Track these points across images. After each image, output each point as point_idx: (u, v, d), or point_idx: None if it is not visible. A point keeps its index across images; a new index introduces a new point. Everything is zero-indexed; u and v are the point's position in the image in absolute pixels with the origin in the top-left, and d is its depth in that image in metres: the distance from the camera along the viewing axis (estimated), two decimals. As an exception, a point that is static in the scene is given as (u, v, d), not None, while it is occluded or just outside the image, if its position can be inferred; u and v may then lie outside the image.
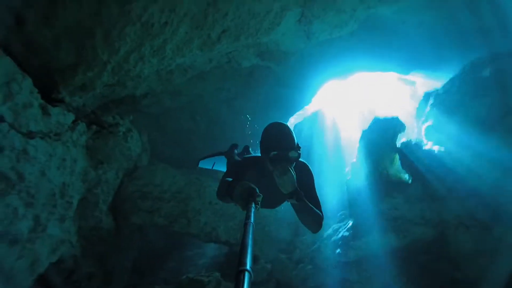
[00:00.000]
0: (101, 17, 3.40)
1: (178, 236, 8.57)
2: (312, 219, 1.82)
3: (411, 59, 8.19)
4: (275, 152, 1.71)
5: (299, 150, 1.78)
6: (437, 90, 5.50)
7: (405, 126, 5.15)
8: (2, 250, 3.10)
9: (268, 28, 5.15)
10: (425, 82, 10.07)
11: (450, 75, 7.80)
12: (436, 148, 4.45)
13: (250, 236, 0.97)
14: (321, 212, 1.85)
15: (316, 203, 1.88)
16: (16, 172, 3.09)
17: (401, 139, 5.11)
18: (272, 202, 2.02)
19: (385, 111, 7.15)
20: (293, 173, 1.68)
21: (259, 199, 1.39)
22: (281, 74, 7.30)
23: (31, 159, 3.28)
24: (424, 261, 3.71)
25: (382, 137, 4.94)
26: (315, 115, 10.80)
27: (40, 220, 3.60)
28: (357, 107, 12.34)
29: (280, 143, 1.73)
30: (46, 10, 3.13)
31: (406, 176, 4.61)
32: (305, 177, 1.93)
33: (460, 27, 6.84)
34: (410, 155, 4.65)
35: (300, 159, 1.85)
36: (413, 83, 10.17)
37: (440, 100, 4.86)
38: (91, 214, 5.03)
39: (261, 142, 1.85)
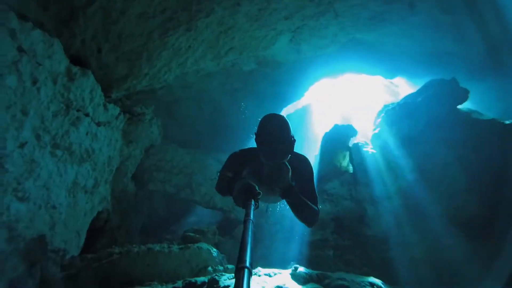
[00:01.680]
0: (147, 46, 5.24)
1: (180, 205, 10.72)
2: (306, 214, 1.84)
3: (394, 67, 10.01)
4: (267, 146, 1.75)
5: (293, 143, 1.82)
6: (388, 105, 7.36)
7: (356, 132, 7.11)
8: (79, 196, 5.08)
9: (266, 46, 6.97)
10: (407, 86, 11.98)
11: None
12: (371, 150, 6.39)
13: (250, 233, 0.99)
14: (317, 207, 1.86)
15: (313, 197, 1.89)
16: (91, 148, 5.03)
17: (353, 141, 7.06)
18: (270, 198, 2.04)
19: (359, 112, 9.07)
20: (287, 167, 1.76)
21: (259, 196, 1.42)
22: (276, 76, 9.11)
23: (98, 140, 5.22)
24: (348, 222, 5.66)
25: (338, 139, 6.88)
26: (304, 109, 12.72)
27: (97, 181, 5.59)
28: (341, 106, 14.26)
29: (273, 136, 1.75)
30: (115, 42, 4.95)
31: (351, 168, 6.57)
32: (304, 170, 1.95)
33: (428, 51, 8.67)
34: (355, 154, 6.62)
35: (300, 153, 1.99)
36: (397, 85, 12.03)
37: (388, 115, 6.74)
38: (121, 180, 7.04)
39: (256, 134, 1.88)
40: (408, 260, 4.17)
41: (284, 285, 3.09)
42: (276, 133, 1.76)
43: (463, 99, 7.06)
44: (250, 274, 0.77)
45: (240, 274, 0.76)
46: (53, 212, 4.37)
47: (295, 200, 1.79)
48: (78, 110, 4.60)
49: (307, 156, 2.11)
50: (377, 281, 3.36)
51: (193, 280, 3.46)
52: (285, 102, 11.56)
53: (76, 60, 4.76)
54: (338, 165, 6.40)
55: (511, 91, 8.37)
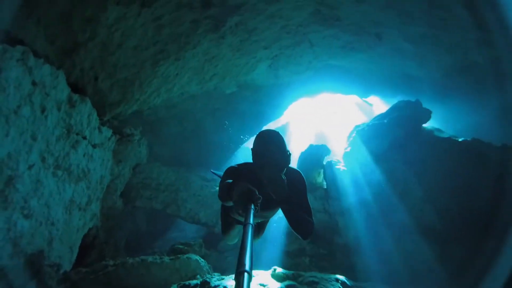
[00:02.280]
0: (140, 74, 5.88)
1: (162, 220, 11.13)
2: (302, 227, 1.91)
3: (368, 87, 11.07)
4: (263, 160, 1.88)
5: (289, 158, 1.95)
6: (359, 125, 8.27)
7: (330, 151, 7.95)
8: (74, 213, 5.52)
9: (246, 72, 7.76)
10: (381, 104, 13.13)
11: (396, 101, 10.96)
12: (342, 168, 7.21)
13: (250, 237, 1.02)
14: (312, 220, 1.94)
15: (308, 211, 1.97)
16: (87, 168, 5.53)
17: (327, 159, 7.87)
18: (266, 209, 2.07)
19: (335, 131, 9.96)
20: (284, 178, 1.87)
21: (259, 201, 1.46)
22: (256, 98, 9.90)
23: (93, 160, 5.72)
24: (322, 233, 6.34)
25: (313, 157, 7.67)
26: (284, 127, 13.60)
27: (90, 198, 6.04)
28: (318, 125, 15.32)
29: (269, 151, 1.89)
30: (110, 71, 5.56)
31: (325, 184, 7.34)
32: (298, 185, 2.04)
33: (396, 74, 9.76)
34: (328, 171, 7.42)
35: (294, 168, 2.12)
36: (371, 104, 13.16)
37: (358, 135, 7.61)
38: (110, 198, 7.47)
39: (252, 150, 2.01)
40: (375, 263, 4.87)
41: (265, 283, 3.68)
42: (272, 147, 1.91)
43: (427, 118, 8.07)
44: (250, 278, 0.79)
45: (240, 278, 0.78)
46: (51, 228, 4.81)
47: (293, 211, 1.89)
48: (77, 134, 5.12)
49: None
50: (341, 277, 4.02)
51: (186, 283, 3.98)
52: (265, 120, 12.36)
53: (74, 87, 5.31)
54: (313, 181, 7.15)
55: (467, 111, 9.56)
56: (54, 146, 4.59)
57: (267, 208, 2.06)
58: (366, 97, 12.75)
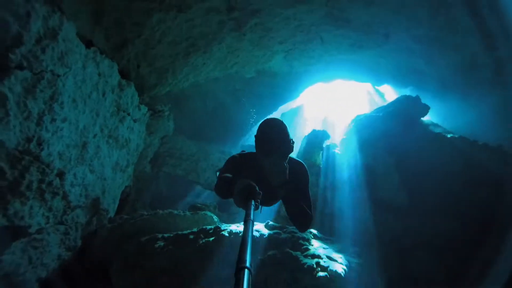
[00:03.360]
0: (173, 64, 7.39)
1: (181, 186, 13.02)
2: (301, 218, 2.03)
3: (379, 77, 12.14)
4: (266, 147, 2.02)
5: (292, 145, 2.09)
6: (360, 115, 9.51)
7: (329, 136, 9.32)
8: (117, 173, 7.29)
9: (264, 62, 9.10)
10: (392, 94, 14.17)
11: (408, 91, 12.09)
12: (338, 151, 8.57)
13: (250, 233, 1.06)
14: (311, 212, 2.05)
15: (308, 203, 2.09)
16: (129, 138, 7.23)
17: (326, 143, 9.25)
18: (268, 198, 2.12)
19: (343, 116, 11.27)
20: (285, 165, 2.00)
21: (259, 196, 1.52)
22: (273, 82, 11.25)
23: (133, 132, 7.41)
24: (314, 203, 7.87)
25: (315, 141, 9.07)
26: (297, 109, 14.95)
27: (128, 162, 7.80)
28: (328, 109, 16.50)
29: (273, 137, 2.03)
30: (150, 61, 7.09)
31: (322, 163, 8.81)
32: (300, 176, 2.18)
33: (404, 68, 10.77)
34: (326, 153, 8.82)
35: (298, 159, 2.29)
36: (382, 94, 14.25)
37: (355, 124, 8.89)
38: (141, 163, 9.27)
39: (256, 137, 2.15)
40: (351, 229, 6.37)
41: (259, 229, 5.29)
42: (275, 134, 2.03)
43: (423, 114, 9.24)
44: (250, 274, 0.84)
45: (241, 274, 0.82)
46: (104, 182, 6.60)
47: (292, 201, 2.02)
48: (123, 111, 6.78)
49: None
50: (314, 231, 5.56)
51: (204, 227, 5.66)
52: (281, 101, 13.74)
53: (122, 73, 6.90)
54: (313, 161, 8.60)
55: (467, 108, 10.54)
56: (109, 121, 6.27)
57: (268, 197, 2.12)
58: (379, 85, 13.81)
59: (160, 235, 5.81)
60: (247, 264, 0.87)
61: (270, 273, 4.41)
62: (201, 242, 5.40)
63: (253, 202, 1.43)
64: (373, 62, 10.29)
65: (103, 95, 5.89)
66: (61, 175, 4.90)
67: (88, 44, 5.62)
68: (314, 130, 9.56)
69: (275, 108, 14.32)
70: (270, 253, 4.73)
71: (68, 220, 5.48)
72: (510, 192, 6.84)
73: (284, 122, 2.18)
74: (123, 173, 7.67)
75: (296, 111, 15.15)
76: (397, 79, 11.91)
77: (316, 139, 9.05)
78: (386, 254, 5.85)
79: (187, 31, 6.89)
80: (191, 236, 5.60)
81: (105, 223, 6.48)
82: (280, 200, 2.28)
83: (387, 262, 5.72)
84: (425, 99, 11.73)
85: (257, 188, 1.57)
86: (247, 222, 1.19)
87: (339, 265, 4.32)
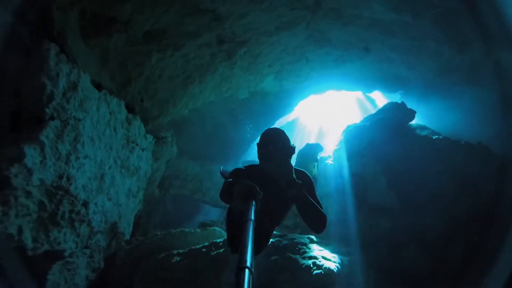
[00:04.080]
0: (173, 95, 8.35)
1: (188, 206, 13.85)
2: (315, 218, 2.13)
3: (368, 85, 13.09)
4: (269, 149, 2.19)
5: (294, 149, 2.31)
6: (350, 126, 10.40)
7: (323, 148, 10.19)
8: (130, 199, 8.14)
9: (255, 84, 10.07)
10: (383, 99, 15.12)
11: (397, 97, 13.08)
12: (331, 162, 9.43)
13: (250, 234, 1.09)
14: (324, 213, 2.15)
15: (319, 205, 2.19)
16: (138, 166, 8.12)
17: (320, 155, 10.10)
18: (276, 204, 2.27)
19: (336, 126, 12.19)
20: (290, 163, 2.13)
21: (259, 196, 1.56)
22: (266, 100, 12.22)
23: (142, 160, 8.31)
24: None
25: (309, 154, 9.95)
26: (293, 122, 15.92)
27: (139, 188, 8.66)
28: (321, 121, 17.52)
29: (274, 141, 2.23)
30: (152, 94, 8.05)
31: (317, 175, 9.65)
32: (306, 183, 2.26)
33: (388, 76, 11.72)
34: (320, 164, 9.66)
35: (300, 169, 2.45)
36: (373, 100, 15.23)
37: (346, 134, 9.77)
38: (150, 187, 10.13)
39: (258, 145, 2.37)
40: (344, 232, 7.16)
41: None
42: (277, 137, 2.21)
43: (410, 119, 10.12)
44: (251, 274, 0.86)
45: (241, 274, 0.84)
46: (119, 208, 7.44)
47: (303, 197, 2.05)
48: (132, 142, 7.69)
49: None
50: (312, 236, 6.37)
51: (214, 241, 6.47)
52: (277, 116, 14.67)
53: (128, 108, 7.84)
54: (310, 173, 9.47)
55: (451, 109, 11.43)
56: (120, 152, 7.18)
57: (278, 201, 2.21)
58: (369, 92, 14.77)
59: (175, 251, 6.63)
60: (248, 265, 0.89)
61: (273, 275, 5.22)
62: (213, 254, 6.23)
63: (253, 202, 1.45)
64: (359, 73, 11.25)
65: (115, 130, 6.81)
66: (85, 204, 5.77)
67: (97, 86, 6.58)
68: (307, 144, 10.46)
69: (272, 123, 15.23)
70: (273, 258, 5.55)
71: (92, 244, 6.32)
72: (488, 186, 7.68)
73: (284, 130, 2.39)
74: (135, 198, 8.53)
75: (292, 124, 16.14)
76: (385, 86, 12.88)
77: (310, 152, 9.94)
78: (378, 252, 6.65)
79: (183, 65, 7.87)
80: (204, 250, 6.43)
81: (123, 245, 7.30)
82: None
83: (380, 258, 6.52)
84: (412, 103, 12.70)
85: (257, 188, 1.62)
86: (247, 222, 1.21)
87: (333, 263, 5.14)
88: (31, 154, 4.32)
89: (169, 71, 7.79)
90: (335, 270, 4.90)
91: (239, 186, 1.69)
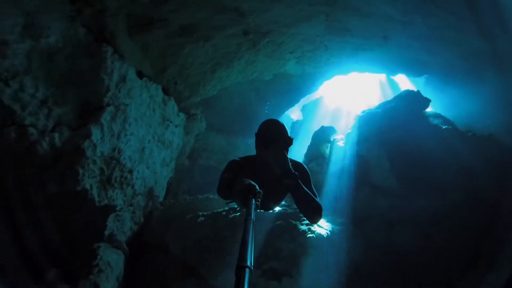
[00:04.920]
0: (203, 78, 9.75)
1: (213, 176, 15.58)
2: (311, 208, 2.21)
3: (391, 68, 13.78)
4: (267, 140, 2.28)
5: (291, 141, 2.37)
6: (364, 111, 11.33)
7: (336, 131, 11.26)
8: (164, 167, 9.87)
9: (279, 68, 11.21)
10: (407, 83, 15.71)
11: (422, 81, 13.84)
12: (341, 144, 10.53)
13: (251, 232, 1.12)
14: (320, 203, 2.23)
15: (314, 195, 2.27)
16: (172, 140, 9.77)
17: (333, 137, 11.21)
18: (273, 194, 2.37)
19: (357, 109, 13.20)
20: (286, 155, 2.20)
21: (259, 195, 1.59)
22: (290, 81, 13.31)
23: (174, 135, 9.95)
24: (317, 187, 9.84)
25: (323, 136, 11.08)
26: (317, 101, 16.89)
27: (171, 159, 10.36)
28: (344, 101, 18.26)
29: (272, 132, 2.33)
30: (184, 78, 9.50)
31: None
32: (301, 174, 2.28)
33: (408, 60, 12.34)
34: (331, 145, 10.80)
35: (297, 160, 2.53)
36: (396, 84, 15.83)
37: (358, 120, 10.75)
38: (181, 158, 11.85)
39: (256, 135, 2.47)
40: (344, 207, 8.48)
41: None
42: (275, 129, 2.35)
43: (424, 107, 10.95)
44: (251, 274, 0.88)
45: (241, 273, 0.87)
46: (155, 175, 9.18)
47: (299, 188, 2.16)
48: (167, 120, 9.28)
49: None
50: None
51: (232, 206, 8.10)
52: (301, 95, 15.75)
53: (163, 90, 9.35)
54: (322, 152, 10.66)
55: (472, 96, 11.98)
56: (157, 129, 8.80)
57: (274, 190, 2.33)
58: (393, 75, 15.38)
59: (200, 213, 8.30)
60: (248, 264, 0.92)
61: (277, 235, 6.73)
62: (231, 216, 7.83)
63: (253, 202, 1.49)
64: (377, 58, 12.00)
65: (153, 111, 8.40)
66: (130, 171, 7.47)
67: (139, 73, 8.09)
68: (322, 126, 11.61)
69: (297, 100, 16.36)
70: (277, 222, 7.04)
71: (134, 203, 8.12)
72: (489, 177, 8.59)
73: (282, 122, 2.49)
74: (168, 167, 10.27)
75: (316, 103, 17.12)
76: (407, 70, 13.51)
77: (323, 134, 11.12)
78: (374, 226, 7.95)
79: (212, 54, 9.18)
80: (224, 213, 8.04)
81: (157, 206, 9.10)
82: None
83: (375, 232, 7.84)
84: (437, 88, 13.35)
85: (257, 187, 1.65)
86: (248, 222, 1.25)
87: (324, 230, 6.56)
88: (95, 133, 5.97)
89: (200, 59, 9.13)
90: (324, 236, 6.31)
91: (239, 185, 1.73)
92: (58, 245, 6.04)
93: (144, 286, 7.07)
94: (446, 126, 10.05)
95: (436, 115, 11.20)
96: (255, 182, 1.72)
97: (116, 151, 6.73)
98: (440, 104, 13.06)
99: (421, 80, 15.01)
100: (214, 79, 10.01)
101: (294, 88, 14.48)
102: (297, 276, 5.87)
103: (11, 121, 4.72)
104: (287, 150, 2.35)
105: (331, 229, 6.66)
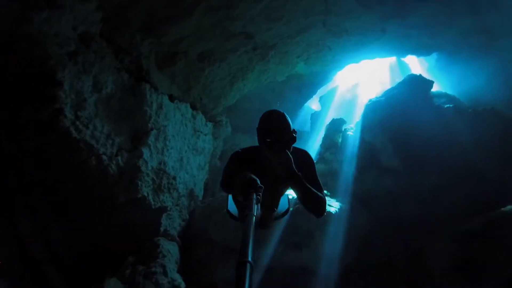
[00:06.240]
0: (223, 92, 11.76)
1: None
2: (314, 203, 2.27)
3: (401, 51, 15.07)
4: (270, 137, 2.25)
5: (295, 134, 2.32)
6: (371, 99, 12.77)
7: (346, 122, 12.80)
8: (200, 171, 12.02)
9: (289, 70, 12.98)
10: (416, 64, 16.86)
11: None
12: (351, 133, 12.05)
13: (252, 227, 1.15)
14: (323, 196, 2.29)
15: (318, 188, 2.31)
16: (203, 147, 11.89)
17: (344, 127, 12.76)
18: (273, 194, 2.43)
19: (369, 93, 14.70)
20: (290, 155, 2.18)
21: (261, 190, 1.65)
22: (302, 79, 15.01)
23: (205, 142, 12.06)
24: (330, 175, 11.61)
25: (335, 127, 12.69)
26: (333, 90, 18.44)
27: (205, 162, 12.49)
28: (358, 89, 19.54)
29: (276, 128, 2.28)
30: (208, 94, 11.54)
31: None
32: (306, 164, 2.39)
33: (411, 46, 13.59)
34: (343, 134, 12.36)
35: (300, 148, 2.52)
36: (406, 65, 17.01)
37: (365, 109, 12.24)
38: (213, 161, 13.96)
39: (258, 129, 2.44)
40: (354, 187, 10.15)
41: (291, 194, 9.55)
42: (277, 125, 2.31)
43: (428, 88, 12.29)
44: (252, 269, 0.92)
45: (242, 268, 0.91)
46: (193, 178, 11.33)
47: (302, 187, 2.17)
48: (197, 131, 11.38)
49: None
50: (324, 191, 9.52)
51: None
52: (316, 88, 17.39)
53: (191, 107, 11.42)
54: (336, 142, 12.31)
55: (475, 72, 13.07)
56: (190, 140, 10.91)
57: (276, 187, 2.45)
58: (403, 57, 16.60)
59: (233, 206, 10.36)
60: (249, 259, 0.95)
61: (296, 216, 8.61)
62: (258, 206, 9.81)
63: (254, 196, 1.54)
64: (380, 49, 13.42)
65: (186, 126, 10.51)
66: (174, 178, 9.62)
67: (170, 96, 10.20)
68: (333, 119, 13.29)
69: (313, 93, 18.02)
70: (296, 206, 8.91)
71: (180, 203, 10.30)
72: (490, 149, 9.89)
73: (286, 114, 2.42)
74: (203, 170, 12.41)
75: (332, 93, 18.67)
76: (415, 52, 14.75)
77: (335, 126, 12.80)
78: (381, 203, 9.62)
79: (228, 70, 11.14)
80: (252, 204, 10.03)
81: (198, 204, 11.26)
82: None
83: (381, 209, 9.52)
84: (448, 64, 14.44)
85: (258, 181, 1.73)
86: (249, 216, 1.28)
87: (333, 208, 8.36)
88: (145, 152, 8.12)
89: (218, 76, 11.12)
90: (333, 212, 8.12)
91: (240, 180, 1.79)
92: (130, 240, 8.34)
93: (195, 267, 9.24)
94: (448, 105, 11.40)
95: (441, 95, 12.50)
96: (256, 176, 1.79)
97: (162, 163, 8.88)
98: (450, 80, 14.25)
99: (433, 57, 16.10)
100: (233, 91, 11.98)
101: (308, 83, 16.18)
102: (313, 247, 7.78)
103: (91, 153, 6.92)
104: (290, 149, 2.33)
105: (339, 207, 8.45)
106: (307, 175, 2.29)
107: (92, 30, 6.79)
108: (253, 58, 11.17)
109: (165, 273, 7.57)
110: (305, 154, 2.59)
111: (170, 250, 8.41)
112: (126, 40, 7.84)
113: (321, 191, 2.34)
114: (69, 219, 7.37)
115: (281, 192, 2.74)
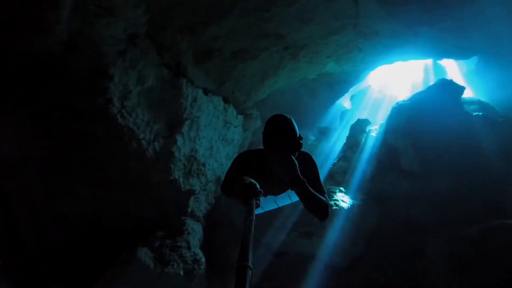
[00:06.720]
0: (255, 86, 12.64)
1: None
2: (318, 207, 2.31)
3: (436, 54, 15.20)
4: (275, 141, 2.32)
5: (300, 140, 2.39)
6: (398, 102, 13.08)
7: (370, 123, 13.19)
8: (228, 160, 13.05)
9: (320, 69, 13.60)
10: (452, 66, 16.82)
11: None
12: (374, 134, 12.45)
13: (251, 232, 1.18)
14: (327, 199, 2.33)
15: (321, 192, 2.36)
16: (232, 138, 12.89)
17: (369, 128, 13.19)
18: (276, 192, 2.60)
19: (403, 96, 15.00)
20: (295, 161, 2.20)
21: (260, 195, 1.71)
22: (333, 77, 15.55)
23: (234, 133, 13.05)
24: (351, 173, 12.11)
25: (359, 127, 13.16)
26: (365, 90, 18.74)
27: (234, 153, 13.48)
28: (389, 90, 19.59)
29: (281, 134, 2.33)
30: (240, 88, 12.48)
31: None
32: (309, 167, 2.45)
33: (448, 49, 13.71)
34: (366, 135, 12.81)
35: (303, 150, 2.53)
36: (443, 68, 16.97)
37: (391, 110, 12.60)
38: (242, 151, 14.96)
39: (263, 134, 2.50)
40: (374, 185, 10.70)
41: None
42: (281, 129, 2.36)
43: (459, 94, 12.50)
44: (251, 273, 0.94)
45: (242, 272, 0.93)
46: (222, 166, 12.36)
47: (307, 193, 2.21)
48: (228, 123, 12.37)
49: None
50: (341, 188, 10.17)
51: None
52: (348, 86, 17.81)
53: (223, 100, 12.40)
54: (359, 141, 12.84)
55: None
56: (221, 131, 11.93)
57: (278, 191, 2.63)
58: (439, 60, 16.62)
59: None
60: (249, 263, 0.98)
61: (311, 209, 9.42)
62: (278, 197, 10.72)
63: (254, 201, 1.60)
64: (412, 51, 13.67)
65: (217, 117, 11.52)
66: (204, 165, 10.69)
67: (204, 90, 11.22)
68: (358, 119, 13.78)
69: (345, 91, 18.45)
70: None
71: (207, 188, 11.39)
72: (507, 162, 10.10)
73: (292, 118, 2.49)
74: (231, 160, 13.37)
75: (364, 92, 19.00)
76: (451, 56, 14.82)
77: (359, 126, 13.31)
78: (395, 203, 10.18)
79: (260, 67, 11.98)
80: (273, 194, 10.95)
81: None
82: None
83: (395, 209, 10.07)
84: (490, 68, 14.40)
85: (257, 186, 1.78)
86: (248, 221, 1.32)
87: (346, 204, 9.07)
88: (179, 140, 9.22)
89: (250, 72, 12.00)
90: (345, 208, 8.84)
91: (240, 184, 1.86)
92: (160, 216, 9.55)
93: (216, 246, 10.32)
94: (477, 113, 11.58)
95: (473, 101, 12.66)
96: (260, 182, 1.85)
97: (193, 151, 9.96)
98: (487, 86, 14.25)
99: (473, 61, 15.97)
100: (264, 86, 12.82)
101: (340, 80, 16.67)
102: (323, 236, 8.57)
103: (133, 138, 8.10)
104: (295, 155, 2.35)
105: (351, 203, 9.15)
106: (309, 177, 2.33)
107: (139, 31, 7.89)
108: (284, 57, 11.91)
109: (189, 248, 8.69)
110: (307, 157, 2.64)
111: (195, 229, 9.53)
112: (167, 38, 8.89)
113: (324, 194, 2.40)
114: (113, 194, 8.66)
115: (284, 191, 2.87)
